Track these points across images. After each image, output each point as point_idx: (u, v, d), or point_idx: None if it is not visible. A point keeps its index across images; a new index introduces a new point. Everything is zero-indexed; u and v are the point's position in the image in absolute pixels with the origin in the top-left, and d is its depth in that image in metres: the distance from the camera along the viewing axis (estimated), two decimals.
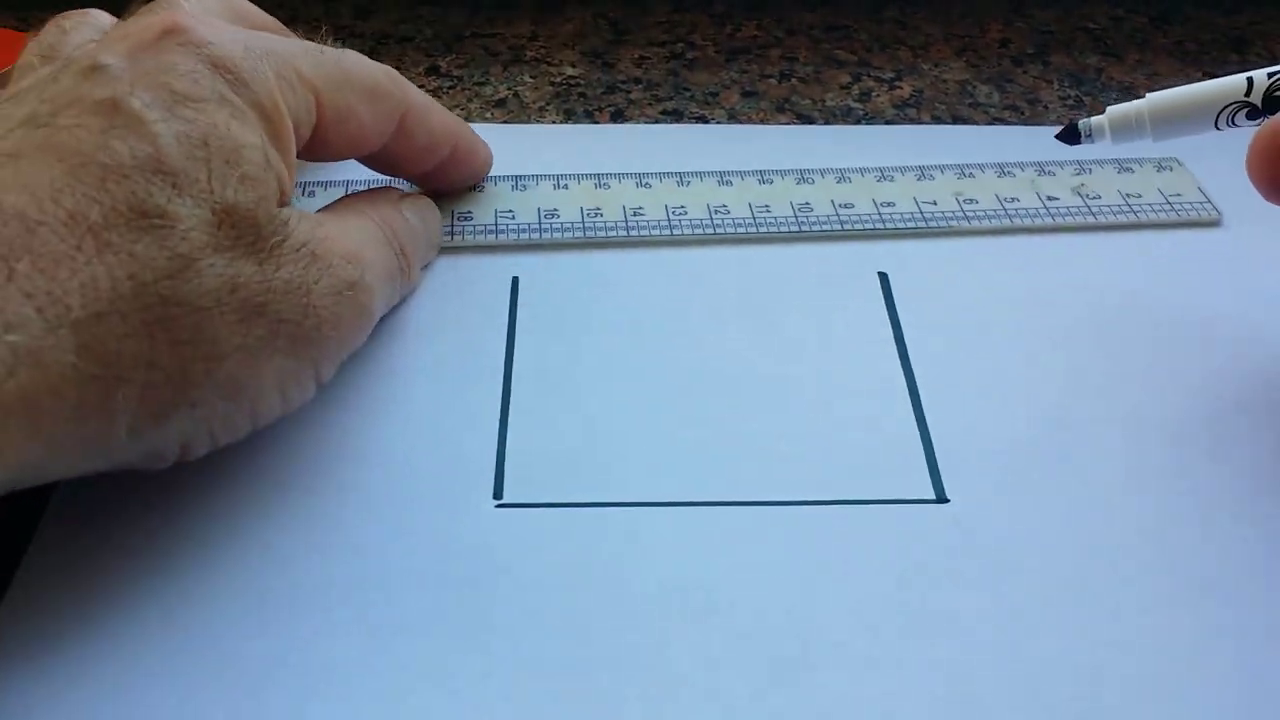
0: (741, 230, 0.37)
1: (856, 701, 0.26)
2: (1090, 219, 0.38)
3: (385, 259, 0.32)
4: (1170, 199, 0.39)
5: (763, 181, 0.39)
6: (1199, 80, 0.34)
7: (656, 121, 0.44)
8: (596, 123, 0.44)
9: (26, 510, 0.29)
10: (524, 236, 0.37)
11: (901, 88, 0.46)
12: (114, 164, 0.25)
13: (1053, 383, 0.33)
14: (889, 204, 0.38)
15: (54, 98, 0.26)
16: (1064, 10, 0.50)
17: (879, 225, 0.38)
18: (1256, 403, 0.32)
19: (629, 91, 0.45)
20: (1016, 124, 0.44)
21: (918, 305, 0.35)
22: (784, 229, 0.37)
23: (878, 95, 0.45)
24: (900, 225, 0.38)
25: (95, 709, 0.25)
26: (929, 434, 0.31)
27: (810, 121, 0.44)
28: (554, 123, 0.44)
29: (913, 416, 0.32)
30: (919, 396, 0.32)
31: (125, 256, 0.25)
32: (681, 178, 0.39)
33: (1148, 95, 0.33)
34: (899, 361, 0.33)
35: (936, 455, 0.31)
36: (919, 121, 0.44)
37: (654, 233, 0.37)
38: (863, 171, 0.40)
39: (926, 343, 0.34)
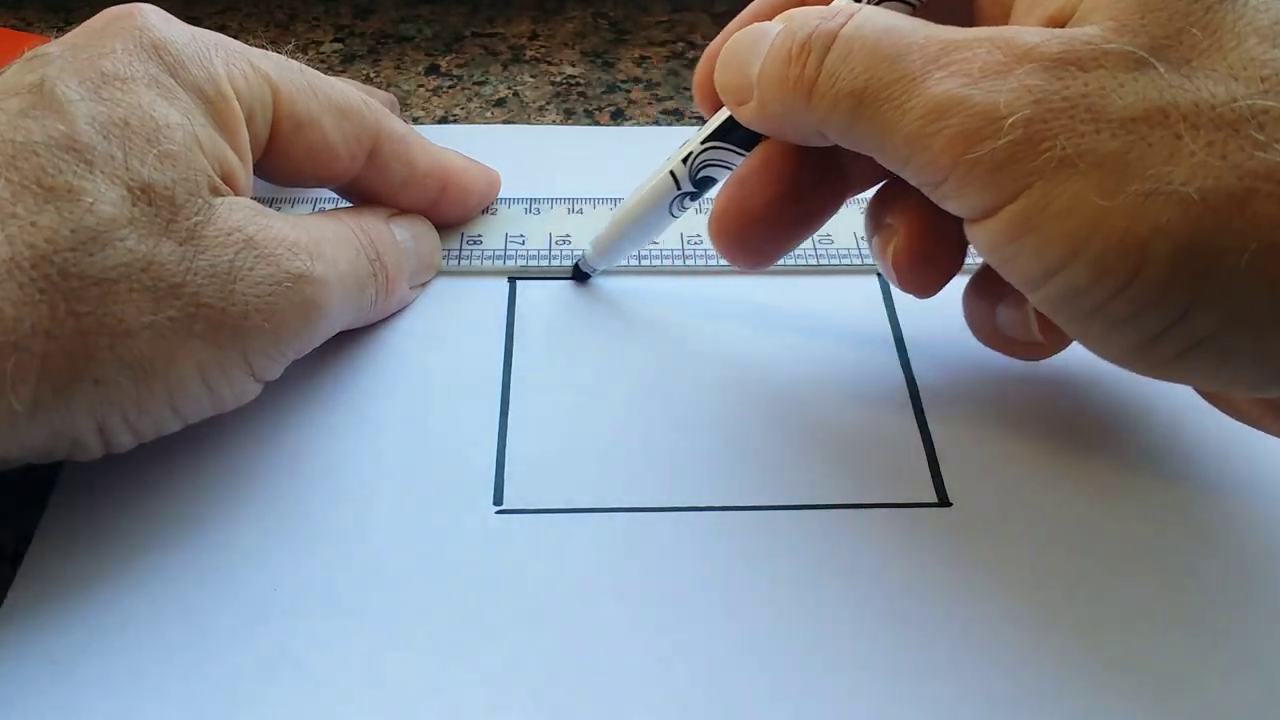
0: None
1: (858, 704, 0.25)
2: None
3: (351, 261, 0.31)
4: None
5: None
6: None
7: (656, 122, 0.44)
8: (596, 123, 0.43)
9: (26, 512, 0.29)
10: (533, 263, 0.36)
11: None
12: (25, 142, 0.26)
13: (1054, 386, 0.33)
14: None
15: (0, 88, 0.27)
16: None
17: None
18: None
19: (629, 91, 0.45)
20: None
21: (919, 308, 0.35)
22: (801, 262, 0.36)
23: None
24: None
25: (94, 710, 0.25)
26: (931, 438, 0.31)
27: None
28: (554, 123, 0.43)
29: (914, 420, 0.32)
30: (920, 400, 0.32)
31: (28, 226, 0.25)
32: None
33: (596, 236, 0.34)
34: (900, 365, 0.33)
35: (939, 459, 0.31)
36: None
37: (667, 263, 0.36)
38: None
39: (928, 346, 0.34)
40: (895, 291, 0.35)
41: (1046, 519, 0.29)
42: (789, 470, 0.30)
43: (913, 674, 0.26)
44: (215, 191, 0.28)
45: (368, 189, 0.34)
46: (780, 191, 0.29)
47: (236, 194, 0.29)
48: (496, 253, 0.36)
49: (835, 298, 0.35)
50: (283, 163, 0.31)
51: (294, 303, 0.29)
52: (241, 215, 0.28)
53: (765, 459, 0.31)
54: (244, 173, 0.29)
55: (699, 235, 0.37)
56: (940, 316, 0.35)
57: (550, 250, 0.36)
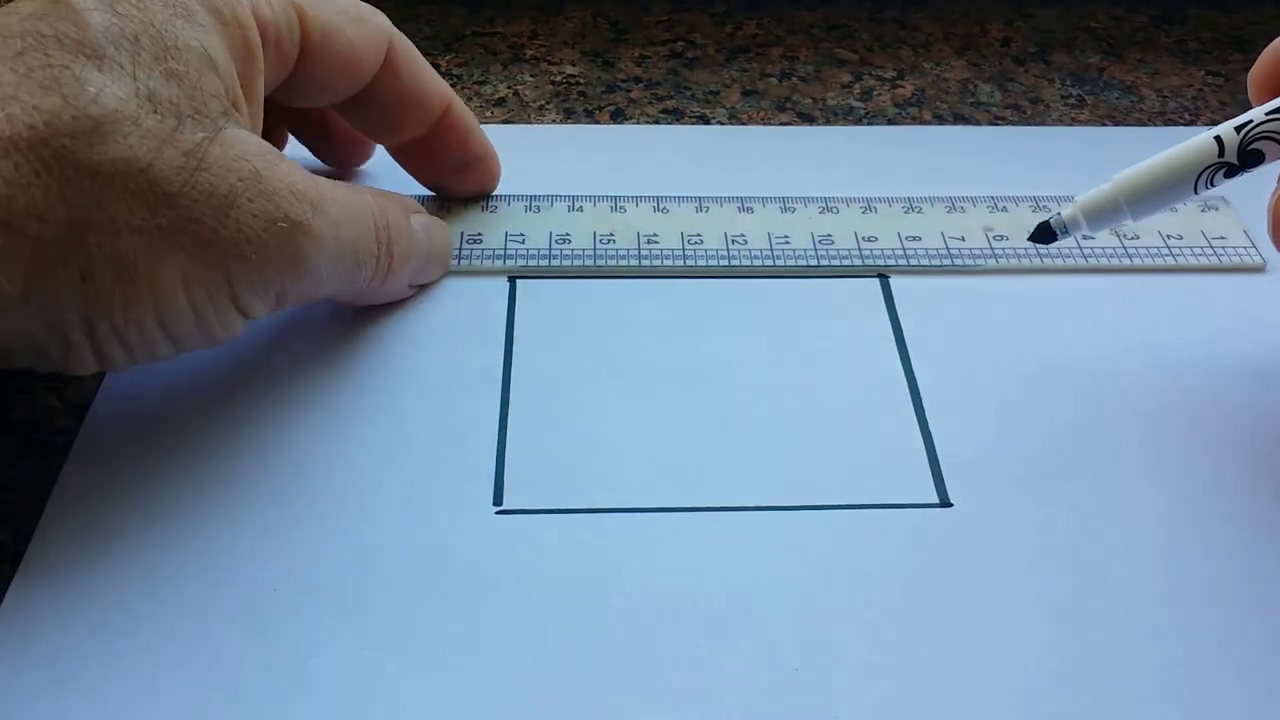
0: (758, 263, 0.36)
1: (860, 705, 0.25)
2: (1123, 260, 0.37)
3: (357, 229, 0.31)
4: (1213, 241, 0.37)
5: (785, 209, 0.38)
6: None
7: (657, 121, 0.44)
8: (596, 122, 0.43)
9: (24, 513, 0.29)
10: (533, 263, 0.36)
11: (903, 87, 0.46)
12: (35, 40, 0.26)
13: (1055, 386, 0.33)
14: (915, 238, 0.37)
15: None
16: (1065, 9, 0.50)
17: (903, 261, 0.36)
18: (1259, 407, 0.32)
19: (629, 91, 0.45)
20: (1018, 123, 0.44)
21: (919, 308, 0.35)
22: (802, 262, 0.36)
23: (879, 94, 0.45)
24: (926, 263, 0.36)
25: (94, 710, 0.25)
26: (932, 438, 0.31)
27: (811, 121, 0.44)
28: (554, 122, 0.43)
29: (915, 421, 0.32)
30: (921, 401, 0.32)
31: (30, 108, 0.25)
32: (701, 203, 0.38)
33: (1114, 177, 0.31)
34: (901, 365, 0.33)
35: (940, 460, 0.31)
36: (920, 120, 0.44)
37: (668, 263, 0.36)
38: (890, 201, 0.38)
39: (929, 346, 0.34)
40: (895, 291, 0.35)
41: (1046, 519, 0.29)
42: (789, 470, 0.30)
43: (913, 674, 0.26)
44: (225, 116, 0.28)
45: (385, 103, 0.34)
46: None
47: (232, 111, 0.28)
48: (496, 252, 0.36)
49: (835, 298, 0.35)
50: (314, 74, 0.32)
51: (284, 247, 0.28)
52: (253, 147, 0.28)
53: (765, 459, 0.31)
54: (250, 97, 0.29)
55: (699, 235, 0.37)
56: (940, 316, 0.35)
57: (550, 249, 0.36)
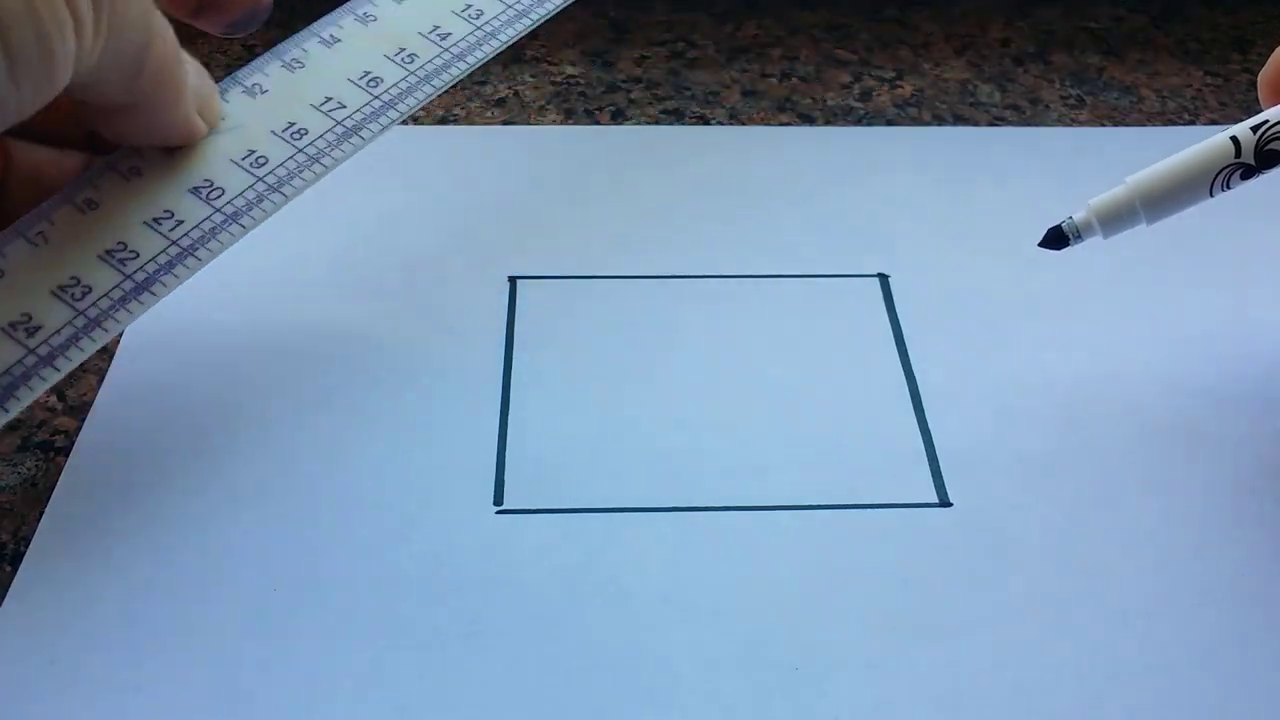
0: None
1: (859, 705, 0.25)
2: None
3: None
4: None
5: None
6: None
7: (657, 121, 0.44)
8: (597, 122, 0.43)
9: (25, 513, 0.29)
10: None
11: (902, 87, 0.46)
12: None
13: (1055, 385, 0.33)
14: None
15: None
16: (1065, 9, 0.50)
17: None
18: (1258, 405, 0.32)
19: (629, 91, 0.45)
20: (1017, 124, 0.44)
21: (918, 307, 0.35)
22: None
23: (879, 95, 0.45)
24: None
25: (94, 710, 0.25)
26: (931, 438, 0.31)
27: (811, 121, 0.44)
28: (554, 122, 0.43)
29: (915, 420, 0.32)
30: (921, 400, 0.32)
31: None
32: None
33: (1127, 180, 0.29)
34: (900, 364, 0.33)
35: (939, 460, 0.31)
36: (920, 121, 0.44)
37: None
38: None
39: (928, 345, 0.34)
40: (895, 291, 0.35)
41: (1046, 519, 0.29)
42: (789, 470, 0.30)
43: (913, 674, 0.26)
44: None
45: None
46: None
47: None
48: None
49: (835, 298, 0.35)
50: None
51: None
52: None
53: (765, 459, 0.31)
54: None
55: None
56: (940, 316, 0.35)
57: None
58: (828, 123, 0.44)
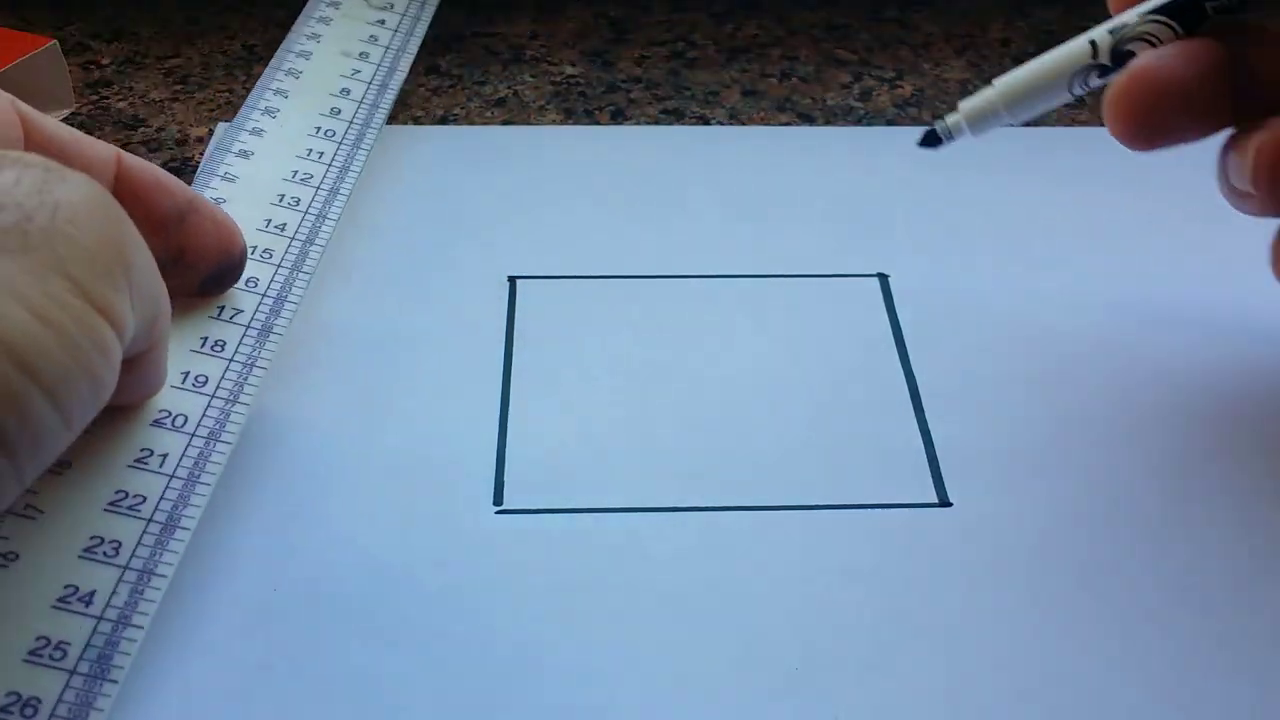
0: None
1: (859, 706, 0.25)
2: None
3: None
4: None
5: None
6: None
7: (657, 121, 0.44)
8: (597, 122, 0.43)
9: None
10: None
11: (903, 87, 0.46)
12: None
13: (1055, 385, 0.33)
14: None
15: None
16: (1065, 9, 0.50)
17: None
18: (1259, 405, 0.32)
19: (629, 91, 0.45)
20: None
21: (918, 307, 0.35)
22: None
23: (879, 95, 0.45)
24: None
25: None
26: (931, 438, 0.31)
27: (811, 121, 0.44)
28: (554, 122, 0.43)
29: (914, 420, 0.32)
30: (921, 401, 0.32)
31: None
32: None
33: (995, 81, 0.32)
34: (900, 364, 0.33)
35: (939, 460, 0.31)
36: (920, 121, 0.44)
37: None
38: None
39: (927, 344, 0.34)
40: (895, 291, 0.35)
41: (1046, 519, 0.29)
42: (789, 470, 0.30)
43: (912, 674, 0.26)
44: None
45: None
46: (1202, 72, 0.29)
47: None
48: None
49: (835, 298, 0.35)
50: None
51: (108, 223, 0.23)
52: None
53: (765, 459, 0.31)
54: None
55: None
56: (940, 316, 0.35)
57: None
58: (828, 123, 0.44)
